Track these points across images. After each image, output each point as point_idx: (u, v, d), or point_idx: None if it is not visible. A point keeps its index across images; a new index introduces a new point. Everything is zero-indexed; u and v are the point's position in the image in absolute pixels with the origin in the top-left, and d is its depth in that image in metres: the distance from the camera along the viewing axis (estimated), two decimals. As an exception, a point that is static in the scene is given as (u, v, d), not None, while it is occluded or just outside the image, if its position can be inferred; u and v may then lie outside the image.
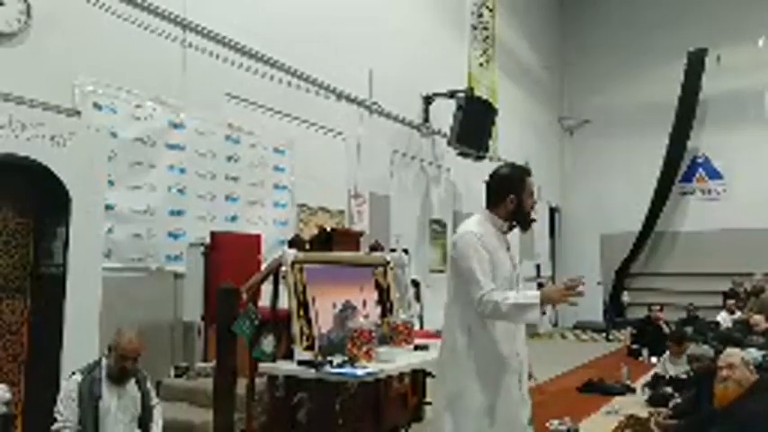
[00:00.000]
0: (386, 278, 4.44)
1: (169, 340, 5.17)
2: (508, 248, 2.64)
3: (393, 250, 5.02)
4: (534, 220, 2.68)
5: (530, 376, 2.77)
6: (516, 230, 2.71)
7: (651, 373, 6.39)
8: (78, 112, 4.58)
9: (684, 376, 5.50)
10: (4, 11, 4.24)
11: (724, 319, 8.88)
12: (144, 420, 3.20)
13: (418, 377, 4.89)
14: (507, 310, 2.36)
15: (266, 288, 3.95)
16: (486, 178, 2.74)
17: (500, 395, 2.49)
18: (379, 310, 4.29)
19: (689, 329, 8.76)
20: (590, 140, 14.30)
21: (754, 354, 4.96)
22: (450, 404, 2.51)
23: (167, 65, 5.43)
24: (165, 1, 5.37)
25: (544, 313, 2.39)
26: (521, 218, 2.62)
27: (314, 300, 3.72)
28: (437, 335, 4.53)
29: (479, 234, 2.52)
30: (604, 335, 11.78)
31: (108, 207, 4.48)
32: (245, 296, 3.77)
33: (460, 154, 9.10)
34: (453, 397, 2.50)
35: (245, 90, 6.14)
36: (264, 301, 3.92)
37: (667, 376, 5.87)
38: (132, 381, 3.19)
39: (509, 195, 2.58)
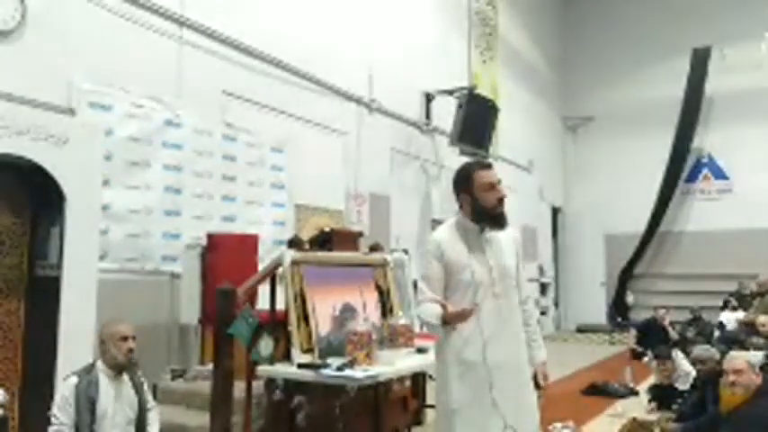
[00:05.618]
0: (386, 279, 4.39)
1: (165, 342, 5.12)
2: (486, 250, 2.52)
3: (393, 251, 4.97)
4: (499, 214, 2.50)
5: (536, 386, 2.62)
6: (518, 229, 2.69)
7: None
8: (73, 111, 4.53)
9: None
10: (-2, 9, 4.19)
11: (728, 319, 8.79)
12: (140, 423, 3.16)
13: (418, 380, 4.84)
14: (424, 323, 2.59)
15: (264, 289, 3.90)
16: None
17: (465, 398, 2.46)
18: (378, 311, 4.24)
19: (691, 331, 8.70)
20: (593, 139, 14.20)
21: (758, 356, 4.90)
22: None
23: (164, 63, 5.37)
24: (161, -2, 5.32)
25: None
26: (484, 215, 2.49)
27: (313, 301, 3.67)
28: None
29: (440, 240, 2.53)
30: (608, 337, 11.71)
31: (104, 207, 4.43)
32: (242, 297, 3.72)
33: (462, 153, 9.02)
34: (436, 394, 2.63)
35: (242, 88, 6.07)
36: (262, 302, 3.87)
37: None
38: (128, 383, 3.15)
39: (460, 195, 2.54)
